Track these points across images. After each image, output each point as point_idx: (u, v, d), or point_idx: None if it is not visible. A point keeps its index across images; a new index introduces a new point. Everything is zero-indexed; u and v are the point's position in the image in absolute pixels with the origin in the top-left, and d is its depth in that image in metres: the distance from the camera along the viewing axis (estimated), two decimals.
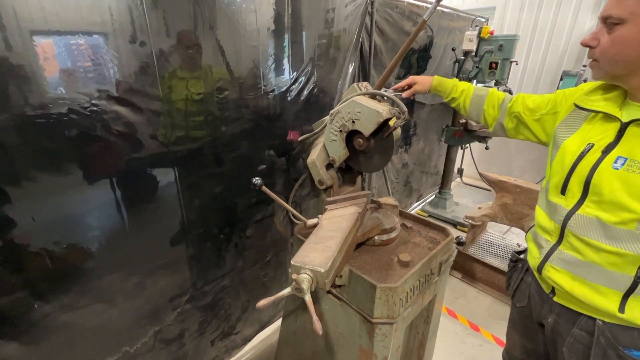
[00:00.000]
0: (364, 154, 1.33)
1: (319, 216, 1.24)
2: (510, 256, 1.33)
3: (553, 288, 1.07)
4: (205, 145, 1.46)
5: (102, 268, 1.26)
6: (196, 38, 1.30)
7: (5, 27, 0.89)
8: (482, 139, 3.18)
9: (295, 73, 1.75)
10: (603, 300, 0.94)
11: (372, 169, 1.36)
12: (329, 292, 1.24)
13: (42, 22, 0.95)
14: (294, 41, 1.68)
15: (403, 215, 1.56)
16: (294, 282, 0.87)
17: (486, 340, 2.23)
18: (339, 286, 1.19)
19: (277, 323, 2.16)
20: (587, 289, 0.96)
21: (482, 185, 4.26)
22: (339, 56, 2.00)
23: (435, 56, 3.13)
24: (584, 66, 3.28)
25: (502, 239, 3.02)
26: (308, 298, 0.86)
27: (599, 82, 1.03)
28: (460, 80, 3.14)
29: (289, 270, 0.91)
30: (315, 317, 0.84)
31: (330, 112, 1.28)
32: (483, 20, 3.59)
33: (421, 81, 1.44)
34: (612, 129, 0.93)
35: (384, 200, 1.49)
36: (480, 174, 3.14)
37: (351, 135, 1.28)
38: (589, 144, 0.96)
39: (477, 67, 2.95)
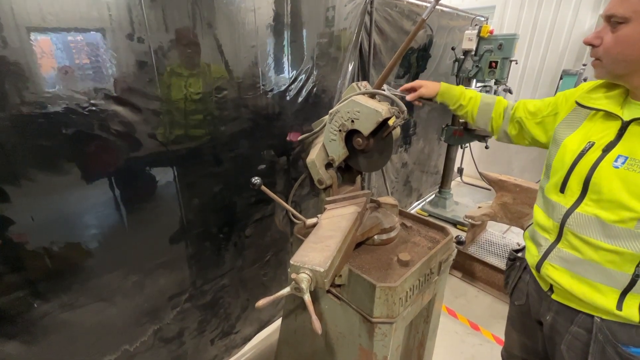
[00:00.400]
0: (363, 154, 1.33)
1: (319, 215, 1.24)
2: (508, 254, 1.33)
3: (551, 286, 1.07)
4: (204, 145, 1.46)
5: (101, 267, 1.26)
6: (194, 36, 1.30)
7: (2, 24, 0.89)
8: (482, 138, 3.18)
9: (294, 72, 1.75)
10: (601, 298, 0.94)
11: (371, 168, 1.36)
12: (328, 291, 1.24)
13: (39, 18, 0.94)
14: (293, 40, 1.68)
15: (403, 214, 1.56)
16: (293, 282, 0.87)
17: (486, 339, 2.23)
18: (339, 285, 1.19)
19: (277, 322, 2.16)
20: (586, 287, 0.97)
21: (482, 185, 4.25)
22: (338, 55, 2.00)
23: (434, 55, 3.12)
24: (584, 65, 3.27)
25: (502, 238, 3.02)
26: (307, 297, 0.86)
27: (600, 81, 1.02)
28: (459, 79, 3.13)
29: (288, 270, 0.91)
30: (314, 317, 0.84)
31: (330, 111, 1.28)
32: (483, 19, 3.58)
33: (428, 85, 1.40)
34: (613, 127, 0.93)
35: (384, 199, 1.49)
36: (480, 173, 3.14)
37: (350, 135, 1.27)
38: (590, 142, 0.96)
39: (477, 66, 2.95)
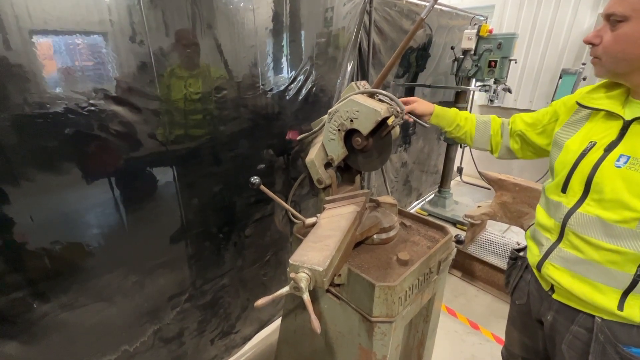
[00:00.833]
0: (362, 153, 1.33)
1: (318, 215, 1.24)
2: (509, 254, 1.34)
3: (552, 286, 1.07)
4: (204, 145, 1.46)
5: (101, 267, 1.26)
6: (194, 37, 1.30)
7: (4, 27, 0.89)
8: None
9: (293, 72, 1.75)
10: (602, 298, 0.94)
11: (370, 167, 1.36)
12: (328, 291, 1.24)
13: (41, 21, 0.95)
14: (293, 40, 1.68)
15: (402, 214, 1.56)
16: (292, 281, 0.87)
17: (486, 338, 2.23)
18: (338, 285, 1.19)
19: (277, 322, 2.16)
20: (587, 287, 0.96)
21: (481, 184, 4.25)
22: (337, 55, 2.00)
23: (434, 55, 3.12)
24: (583, 64, 3.27)
25: (501, 238, 3.02)
26: (306, 297, 0.86)
27: (600, 82, 1.02)
28: (459, 79, 3.13)
29: (288, 269, 0.91)
30: (313, 316, 0.84)
31: (329, 111, 1.28)
32: (482, 18, 3.59)
33: (422, 103, 1.38)
34: (615, 127, 0.92)
35: (383, 199, 1.49)
36: (479, 173, 3.14)
37: (350, 134, 1.27)
38: (591, 142, 0.96)
39: (476, 65, 2.95)
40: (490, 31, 2.87)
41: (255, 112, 1.62)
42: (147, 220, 1.36)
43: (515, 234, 3.31)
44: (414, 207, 3.91)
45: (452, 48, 3.07)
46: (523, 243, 1.27)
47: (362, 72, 2.37)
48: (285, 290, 0.89)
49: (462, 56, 3.02)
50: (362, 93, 1.23)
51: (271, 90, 1.66)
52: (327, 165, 1.36)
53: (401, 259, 1.19)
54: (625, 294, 0.91)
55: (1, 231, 1.01)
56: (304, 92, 1.84)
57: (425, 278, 1.23)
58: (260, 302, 0.87)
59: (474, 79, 3.13)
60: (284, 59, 1.68)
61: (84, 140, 1.11)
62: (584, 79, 3.18)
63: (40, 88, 0.98)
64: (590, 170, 0.93)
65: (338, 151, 1.31)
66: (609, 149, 0.91)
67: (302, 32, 1.73)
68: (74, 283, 1.20)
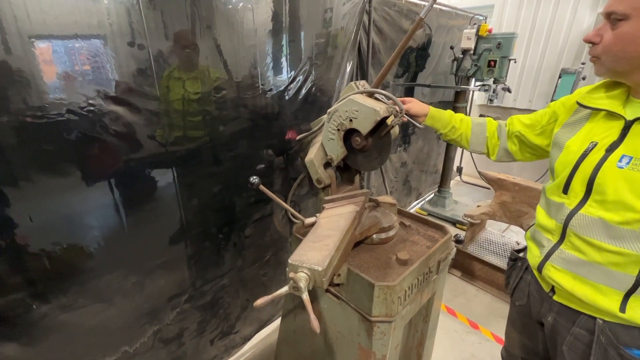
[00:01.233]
0: (362, 153, 1.33)
1: (317, 215, 1.24)
2: (509, 254, 1.33)
3: (553, 287, 1.06)
4: (204, 145, 1.46)
5: (100, 268, 1.26)
6: (193, 37, 1.30)
7: (4, 31, 0.89)
8: None
9: (293, 72, 1.75)
10: (604, 300, 0.93)
11: (370, 167, 1.36)
12: (327, 290, 1.24)
13: (40, 25, 0.95)
14: (292, 40, 1.68)
15: (401, 213, 1.56)
16: (292, 281, 0.87)
17: (485, 338, 2.24)
18: (338, 285, 1.19)
19: (277, 322, 2.16)
20: (588, 289, 0.96)
21: (481, 184, 4.26)
22: (336, 55, 2.00)
23: (433, 55, 3.12)
24: (583, 64, 3.27)
25: (501, 237, 3.02)
26: (305, 296, 0.86)
27: (599, 82, 1.02)
28: (458, 78, 3.13)
29: (287, 269, 0.91)
30: (312, 316, 0.84)
31: (328, 110, 1.28)
32: (481, 18, 3.59)
33: (417, 103, 1.37)
34: (616, 127, 0.92)
35: (382, 198, 1.49)
36: (479, 172, 3.14)
37: (349, 134, 1.27)
38: (592, 142, 0.95)
39: (476, 65, 2.95)
40: (490, 31, 2.87)
41: (255, 112, 1.62)
42: (146, 220, 1.36)
43: (514, 233, 3.31)
44: (414, 207, 3.92)
45: (452, 48, 3.07)
46: (522, 243, 1.27)
47: (361, 72, 2.37)
48: (284, 290, 0.88)
49: (462, 56, 3.02)
50: (362, 93, 1.23)
51: (271, 90, 1.66)
52: (327, 165, 1.36)
53: (400, 258, 1.19)
54: (628, 295, 0.90)
55: (1, 232, 1.01)
56: (303, 92, 1.84)
57: (424, 278, 1.23)
58: (260, 302, 0.87)
59: (473, 79, 3.12)
60: (283, 59, 1.68)
61: (84, 142, 1.11)
62: (583, 78, 3.18)
63: (40, 91, 0.98)
64: (592, 171, 0.92)
65: (337, 151, 1.30)
66: (611, 149, 0.90)
67: (302, 32, 1.73)
68: (74, 284, 1.20)
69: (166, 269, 1.48)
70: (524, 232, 1.27)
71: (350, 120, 1.21)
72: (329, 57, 1.96)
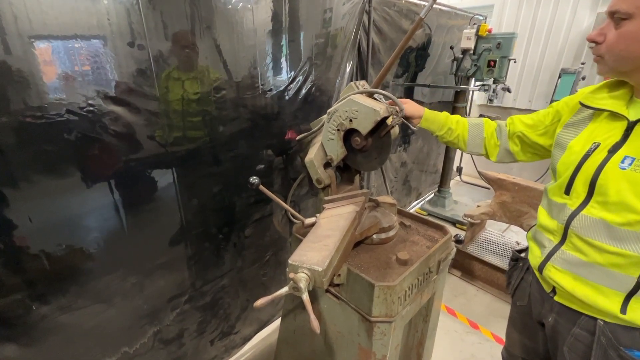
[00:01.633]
0: (361, 153, 1.33)
1: (317, 215, 1.24)
2: (510, 255, 1.33)
3: (554, 287, 1.06)
4: (203, 146, 1.46)
5: (100, 269, 1.26)
6: (193, 38, 1.30)
7: (4, 31, 0.89)
8: None
9: (292, 72, 1.75)
10: (605, 301, 0.93)
11: (370, 167, 1.36)
12: (327, 290, 1.24)
13: (40, 25, 0.95)
14: (292, 40, 1.68)
15: (401, 213, 1.56)
16: (292, 281, 0.87)
17: (485, 338, 2.23)
18: (338, 285, 1.19)
19: (277, 322, 2.16)
20: (589, 290, 0.95)
21: (481, 184, 4.26)
22: (336, 55, 2.00)
23: (433, 54, 3.12)
24: (583, 63, 3.27)
25: (501, 237, 3.02)
26: (305, 297, 0.86)
27: (602, 82, 1.01)
28: (458, 78, 3.12)
29: (287, 270, 0.91)
30: (312, 316, 0.84)
31: (328, 110, 1.28)
32: (481, 18, 3.59)
33: (412, 105, 1.36)
34: (619, 127, 0.91)
35: (382, 198, 1.49)
36: (479, 172, 3.14)
37: (349, 134, 1.27)
38: (595, 143, 0.94)
39: (476, 65, 2.95)
40: (490, 31, 2.87)
41: (255, 112, 1.62)
42: (146, 221, 1.36)
43: (514, 233, 3.31)
44: (414, 207, 3.91)
45: (452, 48, 3.07)
46: (522, 242, 1.27)
47: (361, 72, 2.37)
48: (284, 290, 0.88)
49: (462, 56, 3.03)
50: (361, 93, 1.23)
51: (270, 90, 1.66)
52: (327, 165, 1.36)
53: (400, 258, 1.19)
54: (629, 297, 0.90)
55: (0, 233, 1.01)
56: (303, 92, 1.84)
57: (424, 278, 1.23)
58: (260, 302, 0.87)
59: (473, 79, 3.13)
60: (283, 59, 1.68)
61: (84, 143, 1.11)
62: (583, 78, 3.18)
63: (40, 90, 0.98)
64: (594, 171, 0.91)
65: (337, 151, 1.30)
66: (613, 150, 0.90)
67: (301, 32, 1.72)
68: (74, 285, 1.20)
69: (166, 270, 1.48)
70: (524, 232, 1.27)
71: (350, 121, 1.21)
72: (329, 57, 1.96)
